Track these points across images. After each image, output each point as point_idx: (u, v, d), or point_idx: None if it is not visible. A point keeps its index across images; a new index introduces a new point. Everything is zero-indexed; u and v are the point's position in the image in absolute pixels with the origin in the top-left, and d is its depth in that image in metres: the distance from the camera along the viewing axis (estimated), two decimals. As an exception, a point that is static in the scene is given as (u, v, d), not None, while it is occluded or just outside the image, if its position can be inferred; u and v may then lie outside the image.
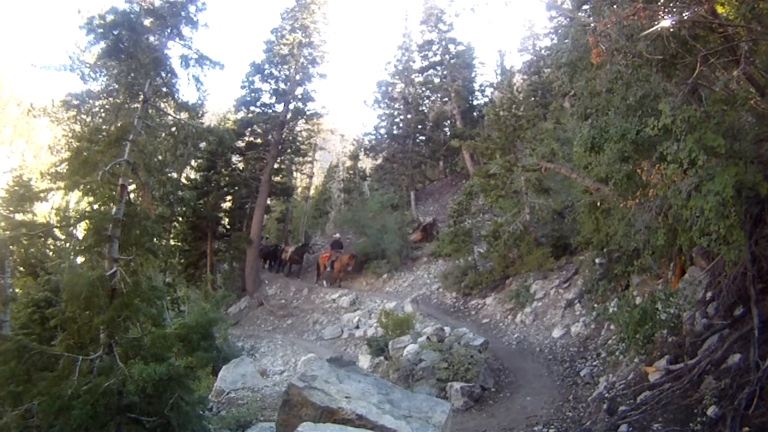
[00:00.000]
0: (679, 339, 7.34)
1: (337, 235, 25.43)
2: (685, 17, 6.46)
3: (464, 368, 9.56)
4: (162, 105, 8.60)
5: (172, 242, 24.70)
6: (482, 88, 34.28)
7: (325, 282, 22.77)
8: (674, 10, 6.75)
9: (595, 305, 11.53)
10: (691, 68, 6.59)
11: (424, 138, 34.56)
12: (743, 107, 6.24)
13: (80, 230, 7.30)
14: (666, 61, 6.69)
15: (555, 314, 12.58)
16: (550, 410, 8.36)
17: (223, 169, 26.63)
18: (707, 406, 5.42)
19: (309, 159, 32.76)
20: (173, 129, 8.58)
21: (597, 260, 12.13)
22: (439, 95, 33.57)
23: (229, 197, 27.61)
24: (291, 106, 26.35)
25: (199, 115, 19.31)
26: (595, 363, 9.79)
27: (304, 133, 29.84)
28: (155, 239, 7.81)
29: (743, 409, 5.06)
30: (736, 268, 6.69)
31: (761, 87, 6.86)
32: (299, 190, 37.03)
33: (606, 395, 7.65)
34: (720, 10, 7.03)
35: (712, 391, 5.56)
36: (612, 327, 9.89)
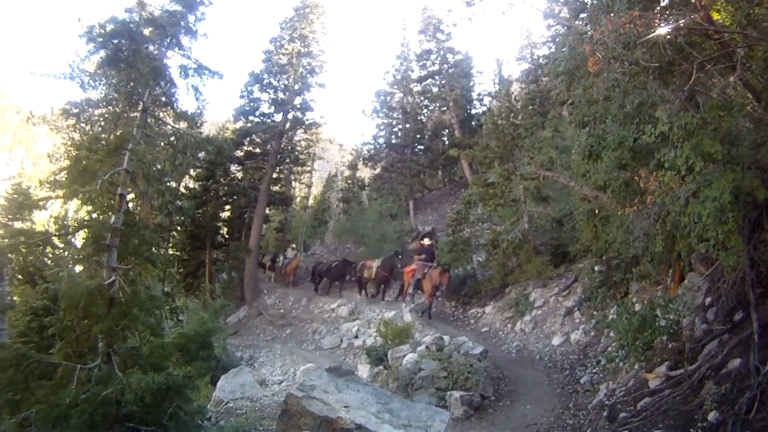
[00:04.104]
0: (678, 345, 7.32)
1: (427, 240, 18.55)
2: (681, 24, 6.50)
3: (464, 377, 9.52)
4: (161, 114, 8.64)
5: (170, 252, 24.72)
6: (480, 97, 34.46)
7: (404, 305, 17.14)
8: (670, 17, 6.80)
9: (595, 313, 11.52)
10: (688, 75, 6.63)
11: (422, 147, 34.67)
12: (740, 113, 6.26)
13: (79, 239, 7.31)
14: (662, 69, 6.73)
15: (554, 322, 12.56)
16: (550, 418, 8.33)
17: (221, 179, 26.66)
18: (708, 412, 5.40)
19: (308, 168, 32.82)
20: (172, 138, 8.62)
21: (596, 268, 12.13)
22: (437, 104, 33.76)
23: (227, 207, 27.65)
24: (290, 116, 26.44)
25: (198, 125, 19.37)
26: (595, 370, 9.76)
27: (303, 143, 29.93)
28: (154, 248, 7.83)
29: (744, 414, 5.04)
30: (735, 274, 6.69)
31: (758, 92, 6.88)
32: (298, 199, 37.08)
33: (606, 402, 7.63)
34: (716, 16, 7.08)
35: (712, 396, 5.54)
36: (611, 334, 9.84)
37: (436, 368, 9.87)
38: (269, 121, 26.33)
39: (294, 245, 28.99)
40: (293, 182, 33.69)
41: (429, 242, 18.17)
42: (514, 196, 15.09)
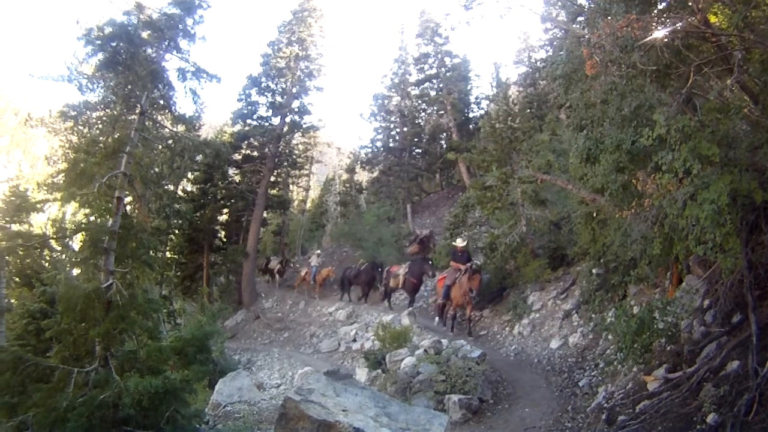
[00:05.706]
0: (677, 347, 7.33)
1: (460, 241, 15.32)
2: (679, 27, 6.53)
3: (462, 380, 9.48)
4: (159, 117, 8.68)
5: (168, 255, 24.70)
6: (478, 100, 34.57)
7: (436, 319, 15.73)
8: (667, 20, 6.82)
9: (593, 315, 11.49)
10: (685, 78, 6.65)
11: (420, 151, 34.76)
12: (737, 115, 6.27)
13: (76, 242, 7.29)
14: (660, 72, 6.75)
15: (553, 325, 12.54)
16: (549, 421, 8.30)
17: (219, 182, 26.64)
18: (707, 414, 5.39)
19: (305, 172, 32.87)
20: (170, 141, 8.64)
21: (594, 271, 12.11)
22: (435, 108, 33.78)
23: (225, 210, 27.64)
24: (287, 119, 26.48)
25: (196, 128, 19.34)
26: (593, 373, 9.74)
27: (301, 146, 29.96)
28: (151, 252, 7.81)
29: (743, 416, 5.03)
30: (733, 276, 6.69)
31: (755, 95, 6.90)
32: (295, 203, 37.06)
33: (605, 405, 7.61)
34: (713, 19, 7.11)
35: (711, 398, 5.54)
36: (610, 337, 9.85)
37: (435, 372, 9.84)
38: (267, 124, 26.41)
39: (320, 251, 26.70)
40: (291, 185, 33.71)
41: (462, 243, 15.19)
42: (511, 200, 15.09)
